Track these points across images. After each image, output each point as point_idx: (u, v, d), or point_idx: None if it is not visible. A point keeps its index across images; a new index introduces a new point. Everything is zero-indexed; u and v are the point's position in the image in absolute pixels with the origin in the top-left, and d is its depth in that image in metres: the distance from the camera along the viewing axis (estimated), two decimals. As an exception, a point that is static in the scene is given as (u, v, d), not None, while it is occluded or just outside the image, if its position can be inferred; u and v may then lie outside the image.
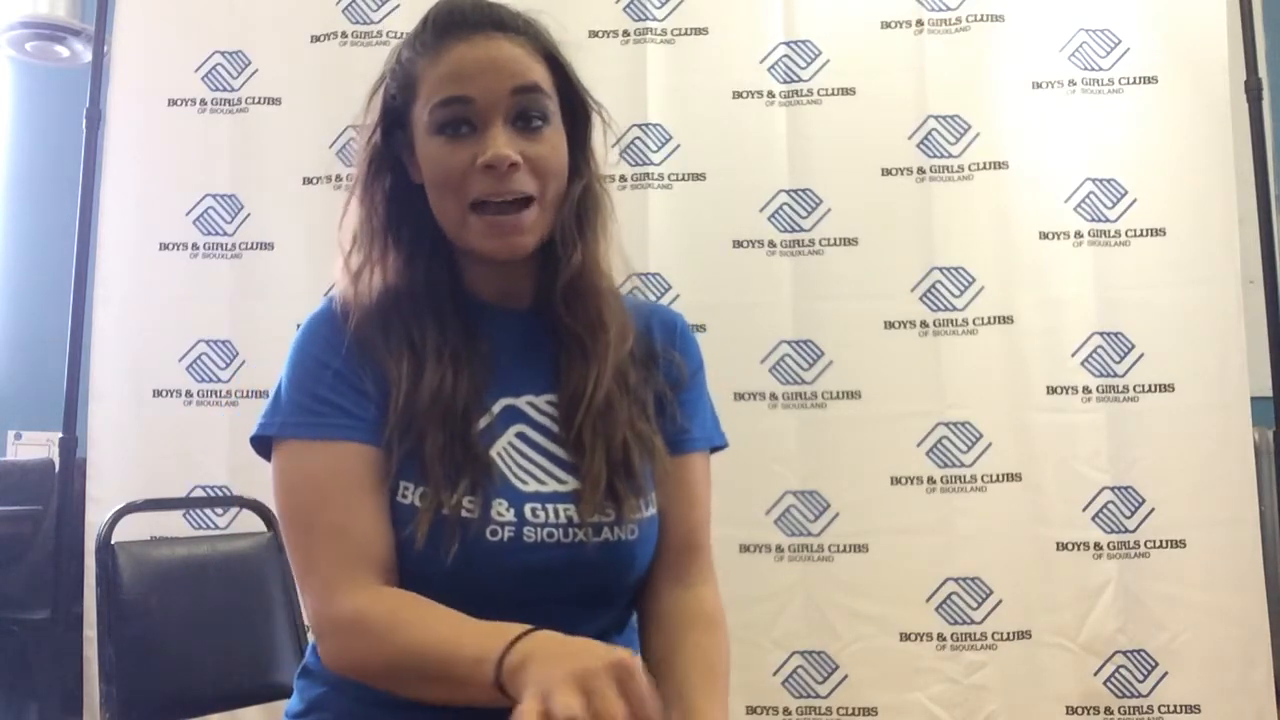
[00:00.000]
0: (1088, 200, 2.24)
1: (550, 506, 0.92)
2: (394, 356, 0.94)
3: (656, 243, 2.27)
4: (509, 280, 0.99)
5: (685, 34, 2.35)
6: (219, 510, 2.24)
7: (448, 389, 0.92)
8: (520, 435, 0.96)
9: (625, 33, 2.35)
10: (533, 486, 0.93)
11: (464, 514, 0.89)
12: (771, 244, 2.28)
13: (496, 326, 0.99)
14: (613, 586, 0.96)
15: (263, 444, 0.95)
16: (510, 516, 0.91)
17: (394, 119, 0.98)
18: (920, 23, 2.32)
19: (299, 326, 0.97)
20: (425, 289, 0.97)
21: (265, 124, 2.36)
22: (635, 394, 0.98)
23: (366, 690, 0.89)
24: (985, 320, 2.22)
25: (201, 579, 1.37)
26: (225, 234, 2.34)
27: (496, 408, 0.96)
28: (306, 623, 1.00)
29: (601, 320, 0.97)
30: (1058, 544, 2.16)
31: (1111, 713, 2.12)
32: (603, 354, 0.96)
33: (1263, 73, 2.27)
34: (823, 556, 2.20)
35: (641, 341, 1.02)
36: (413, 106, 0.96)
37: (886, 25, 2.33)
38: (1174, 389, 2.18)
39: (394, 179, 0.98)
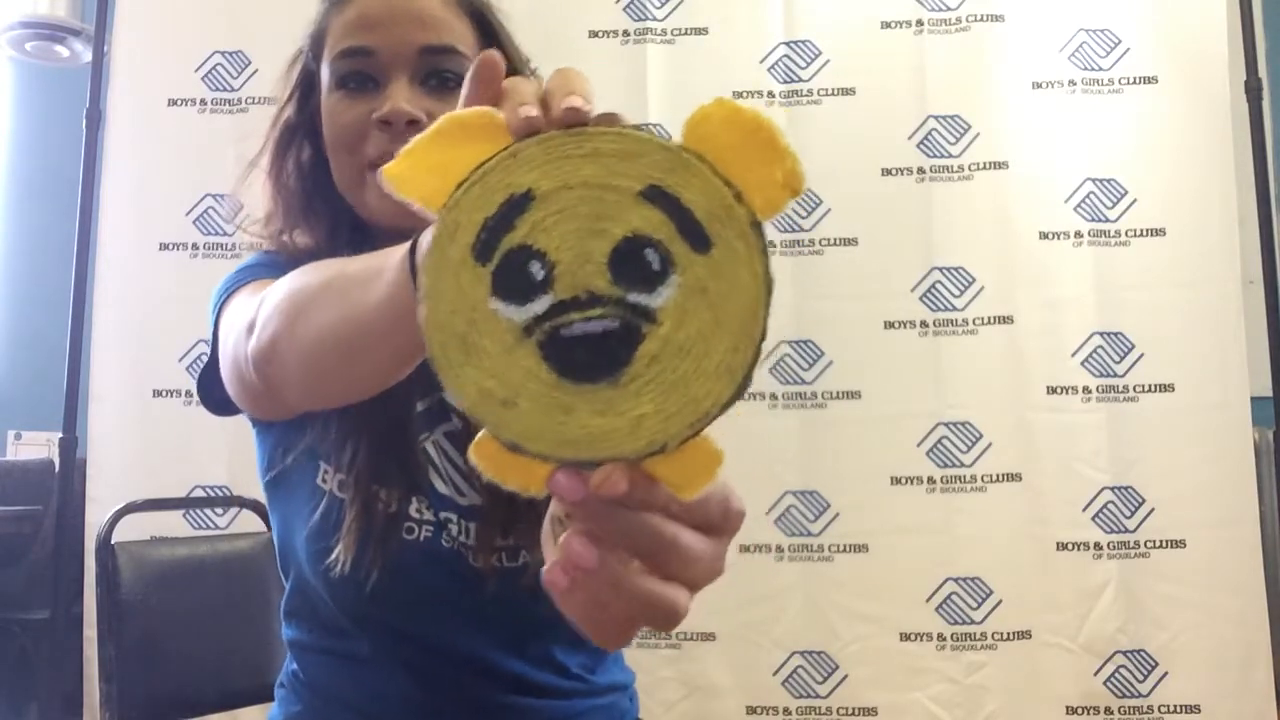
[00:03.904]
0: (1088, 200, 2.24)
1: (462, 522, 0.83)
2: None
3: (656, 243, 2.27)
4: None
5: (685, 34, 2.34)
6: (219, 510, 2.24)
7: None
8: (448, 434, 0.86)
9: (625, 33, 2.35)
10: (450, 494, 0.84)
11: (382, 507, 0.79)
12: (771, 244, 2.26)
13: None
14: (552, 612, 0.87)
15: (212, 403, 0.86)
16: (429, 516, 0.82)
17: (308, 85, 0.90)
18: (920, 23, 2.32)
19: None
20: None
21: (265, 124, 2.36)
22: None
23: (341, 707, 0.85)
24: (985, 320, 2.22)
25: (201, 579, 1.37)
26: (225, 234, 2.34)
27: (424, 403, 0.86)
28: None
29: None
30: (1058, 544, 2.16)
31: (1111, 713, 2.12)
32: None
33: (1263, 73, 2.27)
34: (823, 557, 2.19)
35: None
36: (320, 64, 0.87)
37: (886, 25, 2.33)
38: (1174, 389, 2.18)
39: (311, 151, 0.90)
